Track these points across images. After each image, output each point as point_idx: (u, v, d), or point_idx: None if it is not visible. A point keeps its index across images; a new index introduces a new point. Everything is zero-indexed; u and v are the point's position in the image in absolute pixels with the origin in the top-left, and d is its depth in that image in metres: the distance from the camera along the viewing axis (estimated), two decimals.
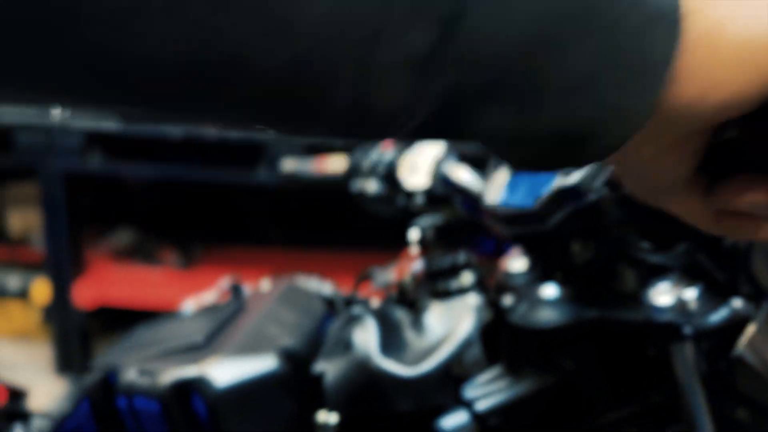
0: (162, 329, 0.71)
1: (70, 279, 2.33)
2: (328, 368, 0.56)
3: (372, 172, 0.79)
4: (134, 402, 0.58)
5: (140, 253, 2.59)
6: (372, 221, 2.71)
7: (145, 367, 0.59)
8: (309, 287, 0.77)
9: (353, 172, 0.81)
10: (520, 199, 0.59)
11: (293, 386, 0.60)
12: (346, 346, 0.56)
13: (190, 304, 0.80)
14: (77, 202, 2.33)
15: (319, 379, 0.60)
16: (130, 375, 0.59)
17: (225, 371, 0.57)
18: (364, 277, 0.77)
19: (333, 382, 0.55)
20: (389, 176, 0.78)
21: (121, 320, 2.72)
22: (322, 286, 0.79)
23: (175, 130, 2.18)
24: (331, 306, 0.75)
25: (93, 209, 2.60)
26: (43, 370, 2.52)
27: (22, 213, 2.65)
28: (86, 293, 2.36)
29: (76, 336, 2.39)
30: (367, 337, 0.55)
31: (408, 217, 0.79)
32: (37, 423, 0.87)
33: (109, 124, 2.25)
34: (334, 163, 0.87)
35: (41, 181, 2.25)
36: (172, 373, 0.58)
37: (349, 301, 0.78)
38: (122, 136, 2.21)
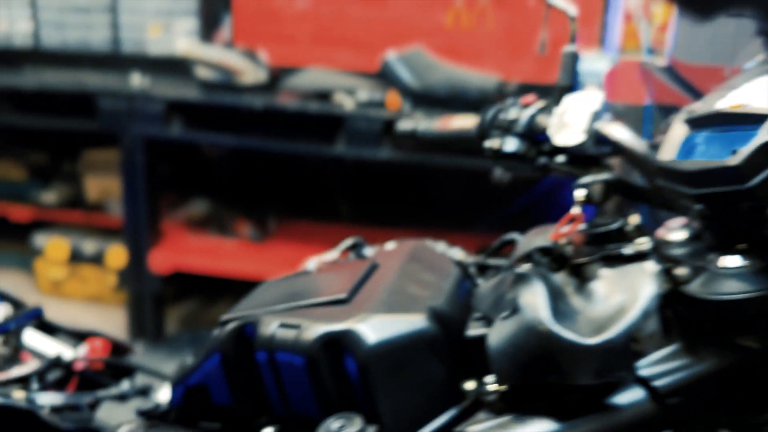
0: (292, 285, 0.67)
1: (147, 246, 2.34)
2: (491, 333, 0.51)
3: (509, 128, 0.73)
4: (276, 356, 0.54)
5: (215, 224, 2.60)
6: (445, 202, 2.65)
7: (287, 321, 0.55)
8: (437, 249, 0.72)
9: (486, 129, 0.76)
10: (711, 155, 0.52)
11: (443, 349, 0.55)
12: (512, 309, 0.50)
13: (312, 262, 0.76)
14: (156, 170, 2.34)
15: (473, 343, 0.54)
16: (271, 328, 0.55)
17: (376, 328, 0.52)
18: (504, 243, 0.71)
19: (497, 347, 0.49)
20: (530, 133, 0.72)
21: (193, 288, 2.74)
22: (450, 249, 0.74)
23: (255, 101, 2.15)
24: (463, 270, 0.69)
25: (170, 178, 2.61)
26: (116, 335, 2.56)
27: (100, 179, 2.68)
28: (161, 260, 2.38)
29: (150, 301, 2.40)
30: (536, 300, 0.50)
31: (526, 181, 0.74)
32: (140, 378, 0.85)
33: (190, 92, 2.25)
34: (461, 121, 0.81)
35: (122, 147, 2.26)
36: (319, 328, 0.53)
37: (483, 267, 0.72)
38: (203, 104, 2.20)
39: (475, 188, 2.73)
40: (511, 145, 0.71)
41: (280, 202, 2.69)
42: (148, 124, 2.21)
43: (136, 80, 2.46)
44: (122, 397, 0.78)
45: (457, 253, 0.73)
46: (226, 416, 0.60)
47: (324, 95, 2.24)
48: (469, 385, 0.56)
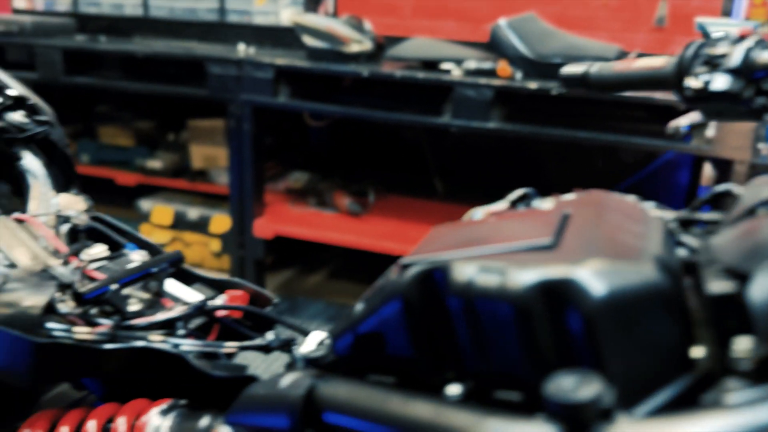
0: (471, 231, 0.59)
1: (251, 213, 2.34)
2: (754, 286, 0.41)
3: (718, 65, 0.62)
4: (476, 303, 0.46)
5: (313, 195, 2.57)
6: (548, 179, 2.49)
7: (488, 265, 0.47)
8: (628, 200, 0.62)
9: (687, 66, 0.65)
10: None
11: (675, 305, 0.46)
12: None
13: (479, 212, 0.67)
14: (262, 139, 2.32)
15: (716, 302, 0.45)
16: (468, 272, 0.47)
17: (603, 277, 0.44)
18: (715, 195, 0.61)
19: (765, 302, 0.40)
20: (746, 70, 0.61)
21: (289, 257, 2.72)
22: (641, 202, 0.64)
23: (361, 69, 2.09)
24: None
25: (271, 149, 2.60)
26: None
27: (204, 148, 2.70)
28: (263, 228, 2.36)
29: (252, 267, 2.40)
30: None
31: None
32: (286, 333, 0.79)
33: (298, 60, 2.21)
34: (648, 60, 0.70)
35: (230, 115, 2.25)
36: (531, 274, 0.45)
37: (686, 222, 0.62)
38: (311, 71, 2.15)
39: (583, 164, 2.58)
40: (721, 82, 0.61)
41: (378, 177, 2.64)
42: (257, 91, 2.18)
43: (242, 49, 2.45)
44: (266, 348, 0.73)
45: (650, 207, 0.63)
46: (402, 369, 0.53)
47: (430, 64, 2.16)
48: (698, 351, 0.47)
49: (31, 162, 0.93)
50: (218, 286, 0.84)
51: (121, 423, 0.67)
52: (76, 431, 0.70)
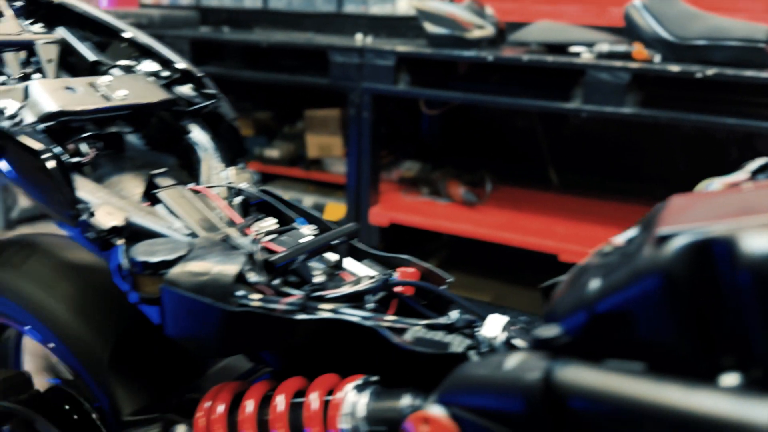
0: (726, 200, 0.51)
1: (367, 201, 2.31)
2: None
3: None
4: None
5: (427, 185, 2.52)
6: (673, 170, 2.31)
7: None
8: None
9: None
10: None
11: None
12: None
13: (716, 183, 0.59)
14: (380, 127, 2.29)
15: None
16: (763, 244, 0.40)
17: None
18: None
19: None
20: None
21: (402, 246, 2.68)
22: None
23: (485, 54, 2.01)
24: None
25: (385, 137, 2.57)
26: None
27: (320, 138, 2.70)
28: (378, 216, 2.33)
29: None
30: None
31: None
32: (462, 315, 0.73)
33: (418, 47, 2.16)
34: None
35: (350, 103, 2.23)
36: None
37: None
38: (432, 58, 2.09)
39: (714, 155, 2.40)
40: None
41: (490, 166, 2.55)
42: (377, 79, 2.15)
43: (360, 39, 2.42)
44: (451, 328, 0.67)
45: None
46: (655, 353, 0.45)
47: (556, 48, 2.05)
48: None
49: (199, 135, 0.92)
50: (389, 263, 0.79)
51: (313, 398, 0.63)
52: (261, 404, 0.67)
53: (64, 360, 0.86)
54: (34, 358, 1.13)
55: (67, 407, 0.95)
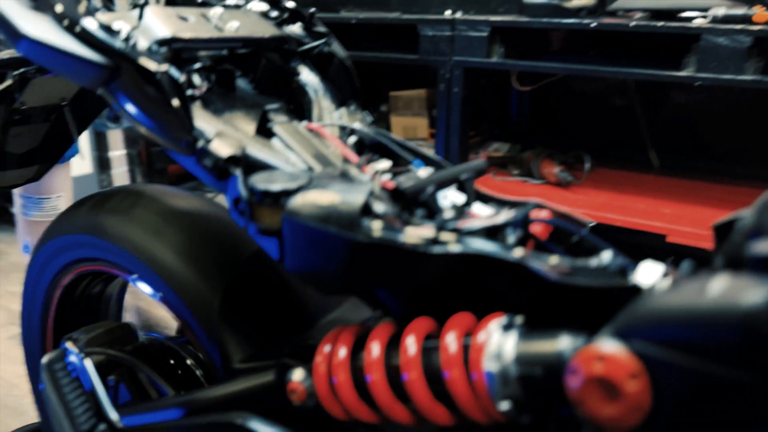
0: None
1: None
2: None
3: None
4: None
5: (516, 165, 2.41)
6: None
7: None
8: None
9: None
10: None
11: None
12: None
13: None
14: (470, 103, 2.20)
15: None
16: None
17: None
18: None
19: None
20: None
21: None
22: None
23: (589, 21, 1.89)
24: None
25: (474, 116, 2.47)
26: None
27: (405, 119, 2.64)
28: None
29: None
30: None
31: None
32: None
33: (512, 17, 2.06)
34: None
35: (440, 79, 2.15)
36: None
37: None
38: (530, 27, 1.99)
39: None
40: None
41: (585, 147, 2.41)
42: (469, 52, 2.06)
43: (449, 14, 2.34)
44: (602, 270, 0.58)
45: None
46: None
47: (664, 14, 1.90)
48: None
49: (309, 77, 0.86)
50: (517, 206, 0.71)
51: (450, 339, 0.56)
52: (388, 347, 0.61)
53: (172, 308, 0.83)
54: (130, 314, 1.11)
55: (171, 361, 0.92)
